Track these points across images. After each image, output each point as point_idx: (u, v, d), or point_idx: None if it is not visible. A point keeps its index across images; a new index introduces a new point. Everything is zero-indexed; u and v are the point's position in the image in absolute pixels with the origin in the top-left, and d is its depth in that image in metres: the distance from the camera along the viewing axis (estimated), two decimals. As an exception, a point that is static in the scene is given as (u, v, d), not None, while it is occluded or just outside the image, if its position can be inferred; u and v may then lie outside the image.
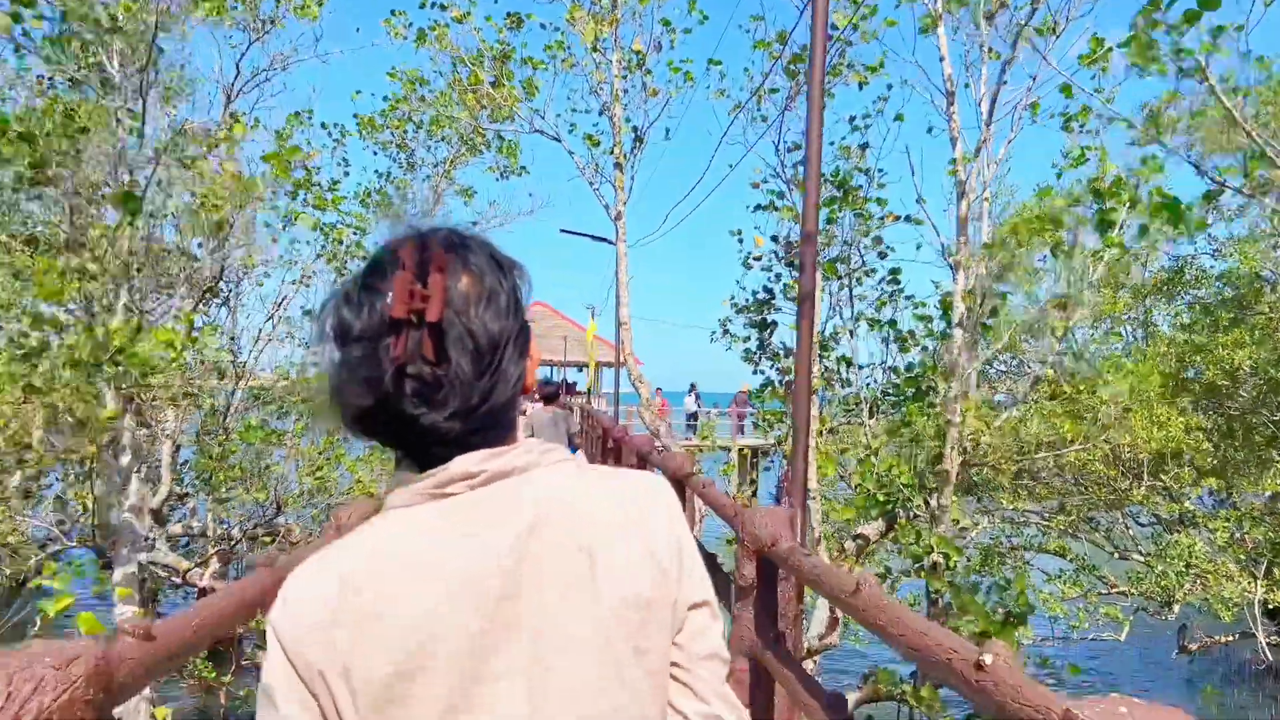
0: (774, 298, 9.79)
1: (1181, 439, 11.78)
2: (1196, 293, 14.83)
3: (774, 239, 9.55)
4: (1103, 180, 7.41)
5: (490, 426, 0.97)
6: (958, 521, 7.33)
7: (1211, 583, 12.08)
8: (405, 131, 14.51)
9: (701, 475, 7.21)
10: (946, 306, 8.04)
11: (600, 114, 9.87)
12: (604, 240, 17.28)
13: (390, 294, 0.91)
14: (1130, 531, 14.06)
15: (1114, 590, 13.31)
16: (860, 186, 8.44)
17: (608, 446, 16.88)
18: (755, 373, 10.03)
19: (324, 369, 0.96)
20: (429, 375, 0.91)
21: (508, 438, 1.00)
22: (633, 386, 9.27)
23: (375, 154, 14.80)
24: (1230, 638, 13.53)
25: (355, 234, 13.23)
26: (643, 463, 10.66)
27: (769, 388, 9.40)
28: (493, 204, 15.06)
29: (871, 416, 8.23)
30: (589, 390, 35.15)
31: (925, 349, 8.46)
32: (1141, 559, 13.41)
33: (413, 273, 0.92)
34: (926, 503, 7.11)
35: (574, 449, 10.80)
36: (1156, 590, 12.56)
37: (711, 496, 5.96)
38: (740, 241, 9.86)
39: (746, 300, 10.07)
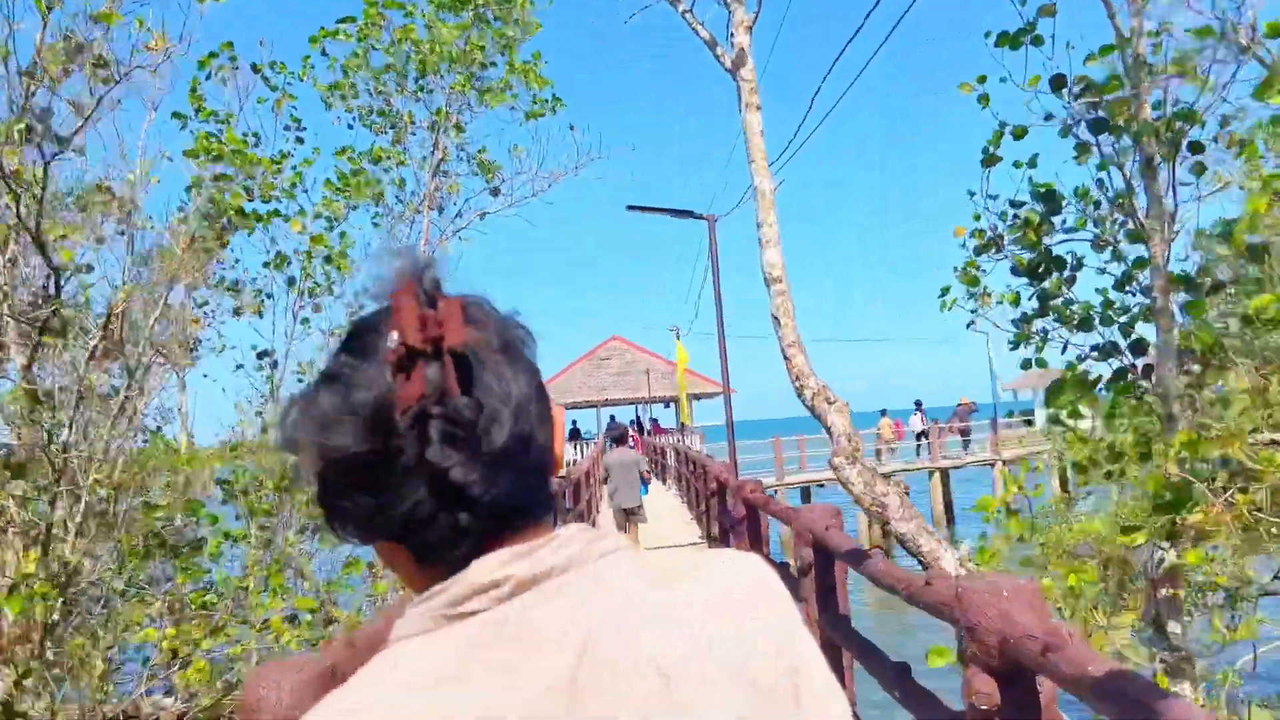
0: (1060, 208, 4.79)
1: None
2: None
3: (1057, 85, 4.56)
4: None
5: (530, 494, 0.76)
6: None
7: None
8: (385, 85, 9.95)
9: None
10: None
11: None
12: (689, 215, 12.37)
13: (394, 332, 0.69)
14: None
15: None
16: None
17: (726, 506, 11.78)
18: (1028, 361, 5.01)
19: (306, 479, 0.74)
20: (464, 407, 0.69)
21: (544, 522, 0.78)
22: (808, 407, 4.11)
23: (351, 127, 10.22)
24: None
25: (322, 224, 8.63)
26: (823, 559, 5.67)
27: (1088, 386, 4.37)
28: (515, 149, 9.86)
29: None
30: (681, 426, 30.31)
31: None
32: None
33: (422, 303, 0.70)
34: None
35: (645, 485, 11.28)
36: None
37: None
38: (983, 101, 4.85)
39: (992, 226, 5.09)
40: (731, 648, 0.73)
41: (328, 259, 8.35)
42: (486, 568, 0.71)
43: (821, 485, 30.20)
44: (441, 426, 0.68)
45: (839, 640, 4.98)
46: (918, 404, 33.20)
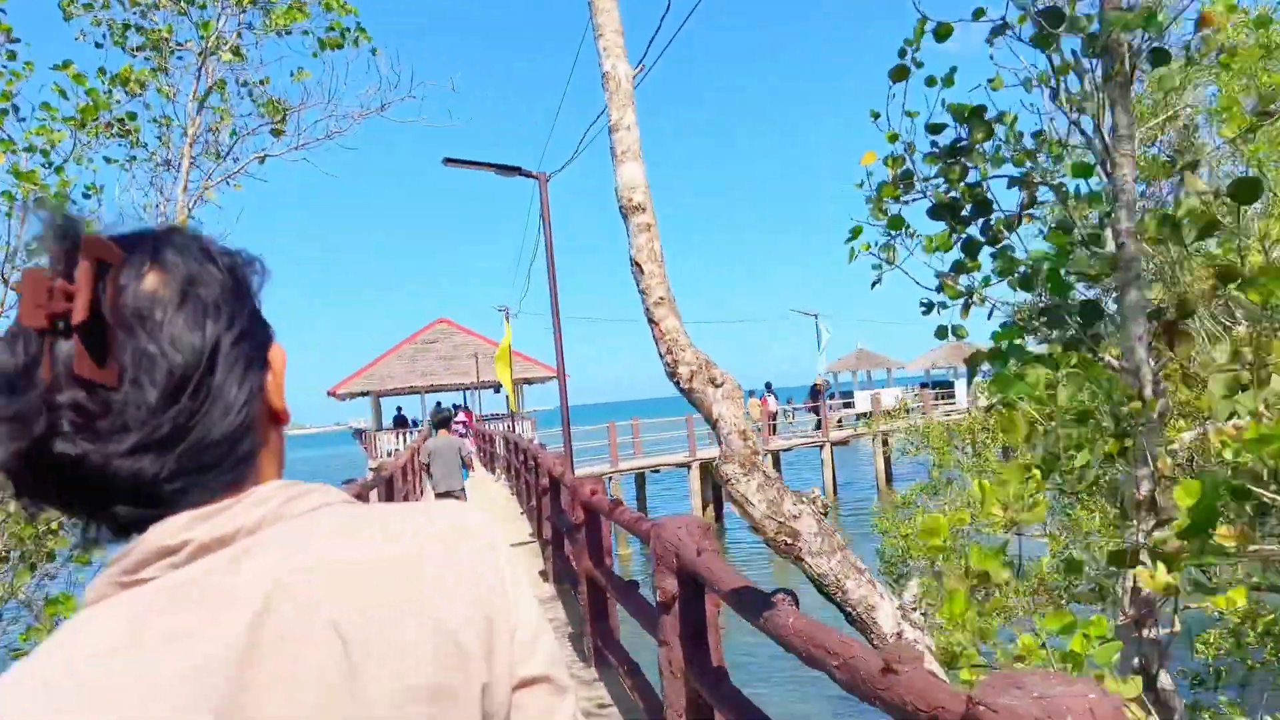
0: (992, 133, 3.70)
1: None
2: None
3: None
4: None
5: (204, 469, 0.68)
6: None
7: None
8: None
9: None
10: None
11: None
12: (516, 171, 10.84)
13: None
14: None
15: None
16: None
17: (561, 506, 10.39)
18: (943, 330, 3.92)
19: None
20: (87, 401, 0.63)
21: (242, 483, 0.71)
22: (684, 391, 2.76)
23: (99, 45, 8.16)
24: None
25: (39, 161, 6.58)
26: (693, 593, 4.40)
27: (1011, 344, 3.29)
28: (298, 73, 7.84)
29: None
30: (511, 413, 28.79)
31: None
32: None
33: (56, 269, 0.65)
34: None
35: (466, 471, 11.09)
36: None
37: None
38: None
39: (899, 156, 3.96)
40: (424, 597, 0.69)
41: (40, 203, 6.36)
42: (164, 532, 0.66)
43: (657, 471, 29.48)
44: (70, 416, 0.63)
45: (712, 699, 3.72)
46: (768, 385, 33.54)
